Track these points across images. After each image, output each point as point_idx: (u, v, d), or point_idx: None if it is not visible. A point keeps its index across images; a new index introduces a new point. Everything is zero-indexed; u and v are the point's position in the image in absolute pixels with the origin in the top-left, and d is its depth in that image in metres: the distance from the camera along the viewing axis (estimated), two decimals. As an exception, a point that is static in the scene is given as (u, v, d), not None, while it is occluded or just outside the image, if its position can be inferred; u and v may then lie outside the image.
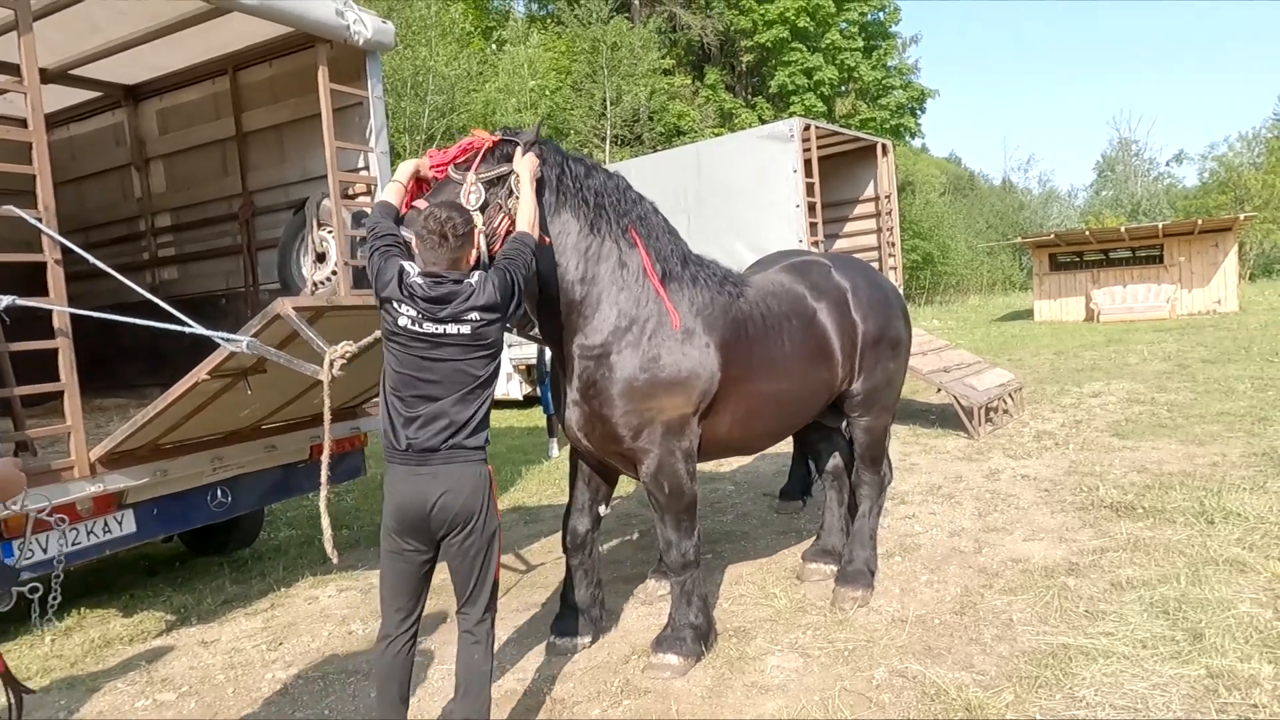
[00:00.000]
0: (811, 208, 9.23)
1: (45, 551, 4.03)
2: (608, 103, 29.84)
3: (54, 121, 6.45)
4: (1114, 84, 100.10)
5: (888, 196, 10.84)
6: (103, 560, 5.78)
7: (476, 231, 3.06)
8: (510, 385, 13.40)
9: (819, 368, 4.18)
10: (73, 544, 4.14)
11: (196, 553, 6.21)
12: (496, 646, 3.13)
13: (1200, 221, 21.98)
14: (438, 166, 3.33)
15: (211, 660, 4.27)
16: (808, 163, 9.26)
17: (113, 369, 6.46)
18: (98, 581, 5.74)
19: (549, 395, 9.14)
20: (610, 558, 5.46)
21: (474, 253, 3.03)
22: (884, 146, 10.91)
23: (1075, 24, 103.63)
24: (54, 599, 3.67)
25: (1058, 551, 4.81)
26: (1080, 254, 23.90)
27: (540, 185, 3.43)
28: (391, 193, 3.21)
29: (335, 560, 3.36)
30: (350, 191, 5.00)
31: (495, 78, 26.34)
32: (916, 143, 45.84)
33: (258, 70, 5.79)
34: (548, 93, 28.23)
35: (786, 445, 6.48)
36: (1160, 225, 22.40)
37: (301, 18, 4.42)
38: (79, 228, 6.50)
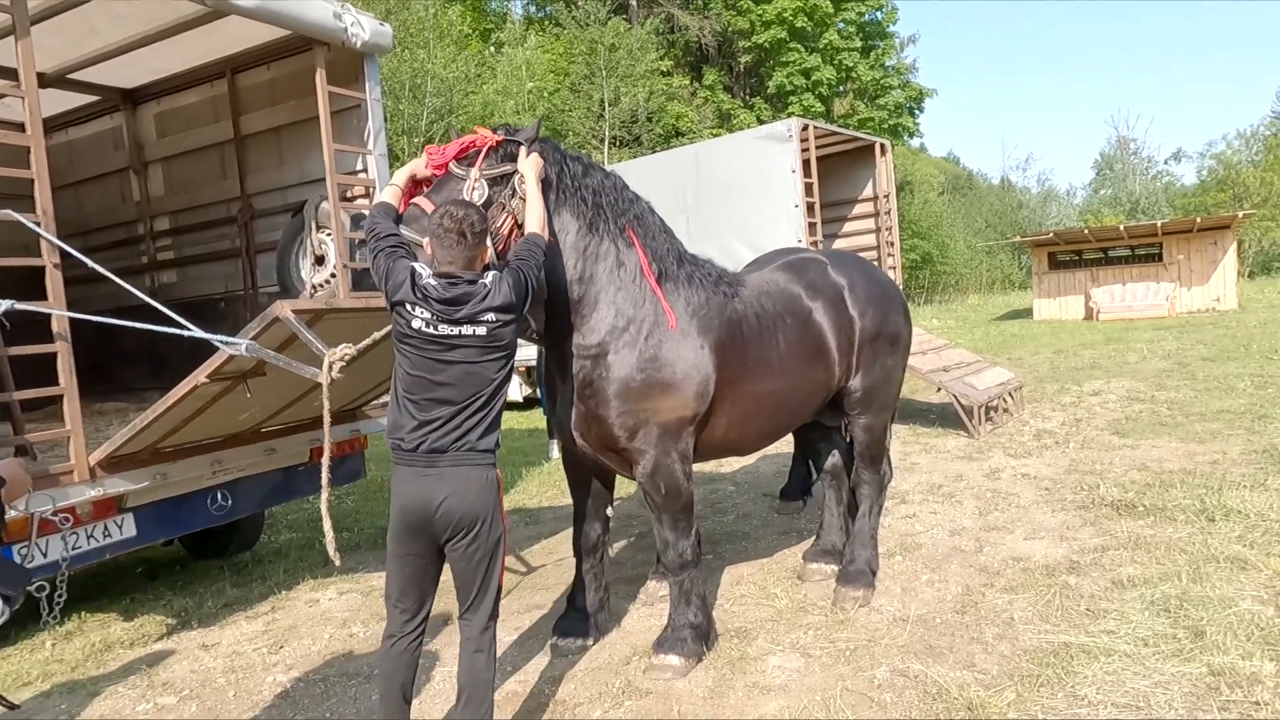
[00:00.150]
0: (810, 207, 9.23)
1: (46, 556, 4.03)
2: (606, 104, 29.85)
3: (52, 125, 6.44)
4: (1112, 83, 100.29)
5: (886, 196, 10.85)
6: (103, 564, 5.78)
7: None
8: (510, 387, 13.38)
9: (815, 367, 4.17)
10: (73, 548, 4.14)
11: (197, 556, 6.20)
12: (498, 649, 3.12)
13: (1199, 219, 22.00)
14: (437, 165, 3.29)
15: (212, 663, 4.27)
16: (806, 163, 9.26)
17: (112, 373, 6.46)
18: (98, 585, 5.73)
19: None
20: (610, 558, 5.46)
21: (489, 251, 3.02)
22: (882, 146, 10.92)
23: (1073, 23, 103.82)
24: (59, 597, 3.68)
25: (1059, 550, 4.81)
26: (1079, 253, 23.91)
27: (542, 184, 3.41)
28: (389, 195, 3.17)
29: (338, 563, 3.36)
30: (349, 194, 4.99)
31: (493, 80, 26.35)
32: (915, 142, 45.90)
33: (256, 73, 5.79)
34: (546, 94, 28.23)
35: (787, 445, 6.48)
36: (1159, 223, 22.43)
37: (299, 20, 4.42)
38: (77, 232, 6.50)
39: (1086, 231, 23.71)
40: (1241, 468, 6.16)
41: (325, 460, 3.38)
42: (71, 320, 3.93)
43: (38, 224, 3.84)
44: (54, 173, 4.14)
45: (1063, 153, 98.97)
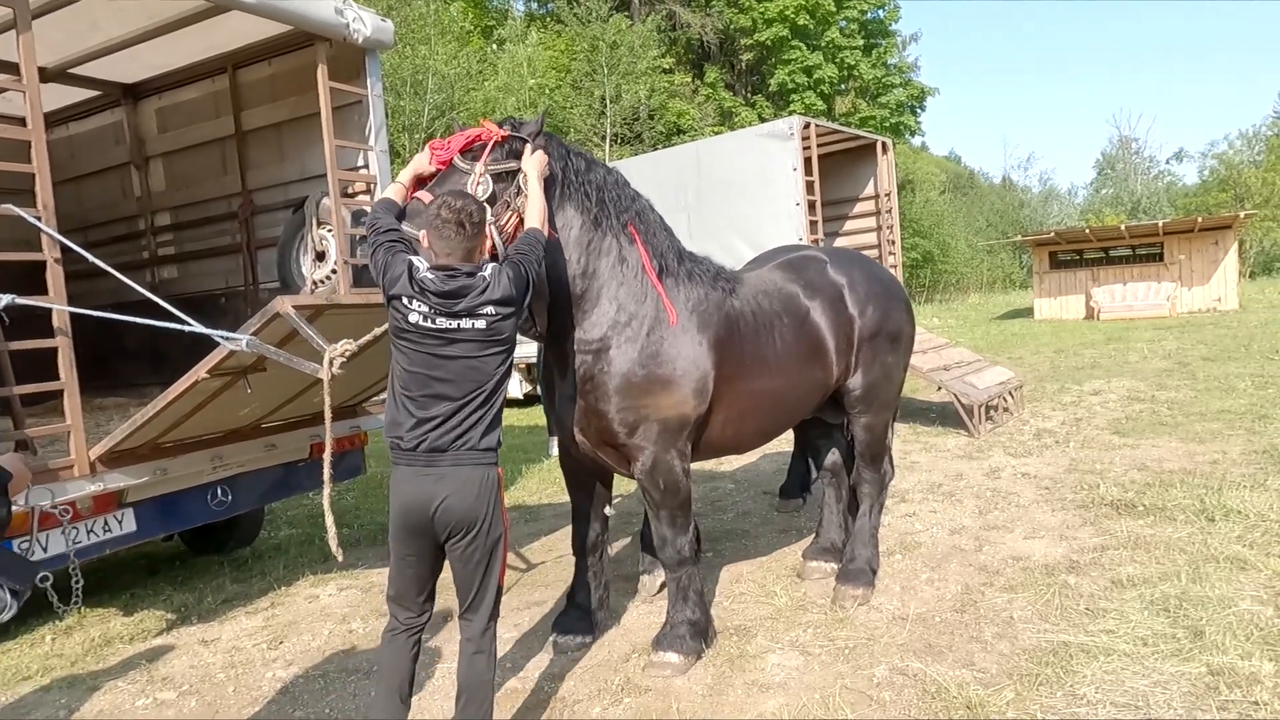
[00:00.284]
0: (811, 206, 9.23)
1: (46, 550, 4.03)
2: (607, 101, 29.81)
3: (53, 120, 6.44)
4: (1114, 82, 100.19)
5: (888, 194, 10.84)
6: (103, 559, 5.78)
7: (488, 224, 3.03)
8: (510, 383, 13.39)
9: (812, 367, 4.17)
10: (74, 542, 4.14)
11: (197, 551, 6.21)
12: (498, 645, 3.11)
13: (1200, 219, 22.00)
14: (441, 160, 3.26)
15: (212, 659, 4.27)
16: (807, 161, 9.26)
17: (112, 368, 6.46)
18: (98, 580, 5.73)
19: (549, 393, 9.15)
20: (610, 556, 5.46)
21: (488, 243, 2.99)
22: (884, 144, 10.91)
23: (1075, 22, 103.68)
24: (77, 584, 3.70)
25: (1058, 549, 4.81)
26: (1080, 252, 23.91)
27: (546, 180, 3.40)
28: (393, 192, 3.15)
29: (340, 558, 3.35)
30: (350, 190, 4.99)
31: (495, 76, 26.33)
32: (916, 141, 45.88)
33: (257, 69, 5.78)
34: (547, 91, 28.20)
35: (786, 444, 6.48)
36: (1160, 223, 22.44)
37: (301, 16, 4.41)
38: (78, 226, 6.49)
39: (1088, 231, 23.71)
40: (1241, 468, 6.16)
41: (327, 456, 3.39)
42: (72, 315, 3.93)
43: (38, 219, 3.83)
44: (55, 167, 4.14)
45: (1064, 152, 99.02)
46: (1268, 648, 3.39)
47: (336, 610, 4.85)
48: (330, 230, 4.75)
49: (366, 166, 5.03)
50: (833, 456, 4.95)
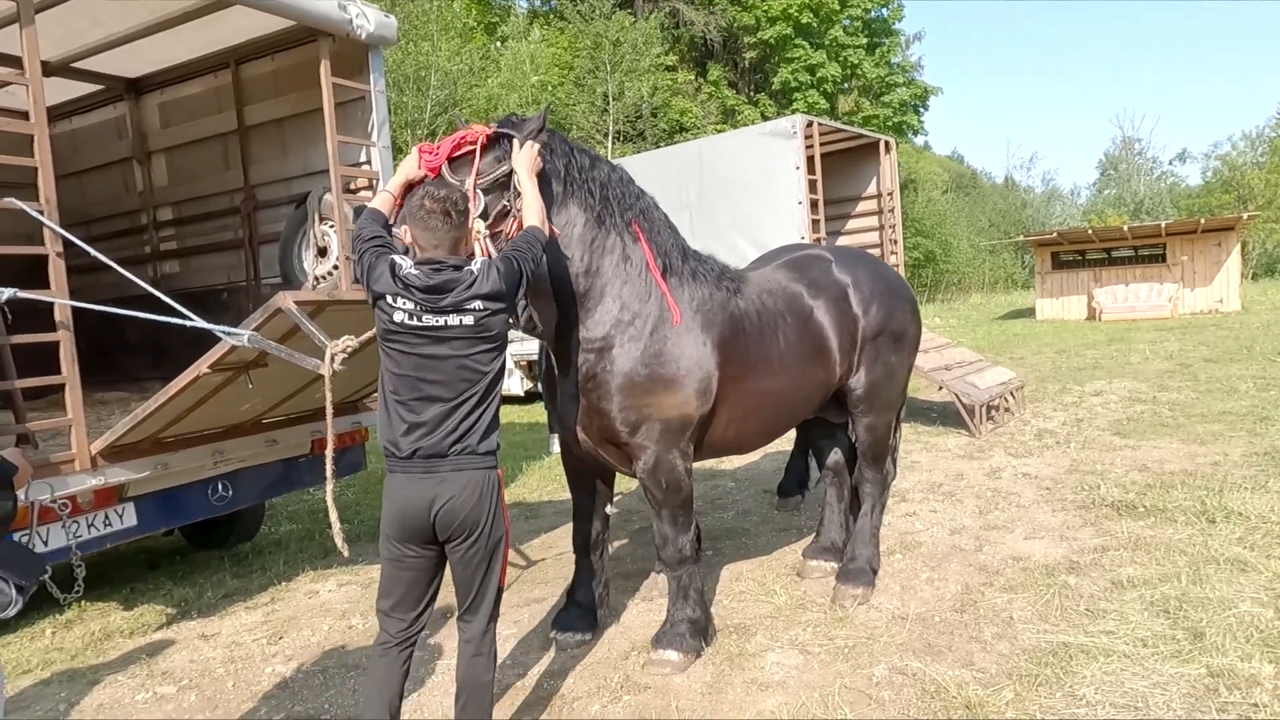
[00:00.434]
0: (814, 205, 9.22)
1: (46, 544, 4.04)
2: (610, 98, 29.79)
3: (56, 114, 6.45)
4: (1117, 82, 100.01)
5: (890, 194, 10.83)
6: (103, 553, 5.77)
7: (483, 236, 2.99)
8: (511, 381, 13.41)
9: (815, 367, 4.15)
10: (74, 536, 4.15)
11: (197, 546, 6.21)
12: (498, 642, 3.10)
13: (1203, 221, 21.98)
14: (431, 166, 3.17)
15: (212, 654, 4.28)
16: (810, 159, 9.25)
17: (114, 362, 6.47)
18: (98, 575, 5.74)
19: (550, 391, 9.16)
20: (611, 555, 5.46)
21: (474, 235, 2.94)
22: (886, 144, 10.90)
23: (1078, 22, 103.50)
24: (80, 574, 3.70)
25: (1058, 550, 4.80)
26: (1083, 252, 23.89)
27: (547, 176, 3.37)
28: (381, 202, 3.03)
29: (345, 553, 3.34)
30: (352, 186, 4.99)
31: (497, 73, 26.31)
32: (919, 140, 45.81)
33: (260, 64, 5.78)
34: (550, 88, 28.18)
35: (786, 442, 6.48)
36: (1163, 224, 22.40)
37: (304, 11, 4.41)
38: (80, 221, 6.50)
39: (1090, 231, 23.68)
40: (1243, 470, 6.15)
41: (329, 451, 3.38)
42: (74, 309, 3.94)
43: (41, 212, 3.84)
44: (57, 162, 4.14)
45: (1067, 152, 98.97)
46: (1268, 650, 3.39)
47: (336, 606, 4.86)
48: (332, 226, 4.75)
49: (369, 162, 5.03)
50: (835, 456, 4.94)
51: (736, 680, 3.57)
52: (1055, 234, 24.24)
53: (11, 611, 2.32)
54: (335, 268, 4.89)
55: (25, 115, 3.89)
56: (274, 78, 5.74)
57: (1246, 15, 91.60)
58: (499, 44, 30.09)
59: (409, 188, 3.07)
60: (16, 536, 3.74)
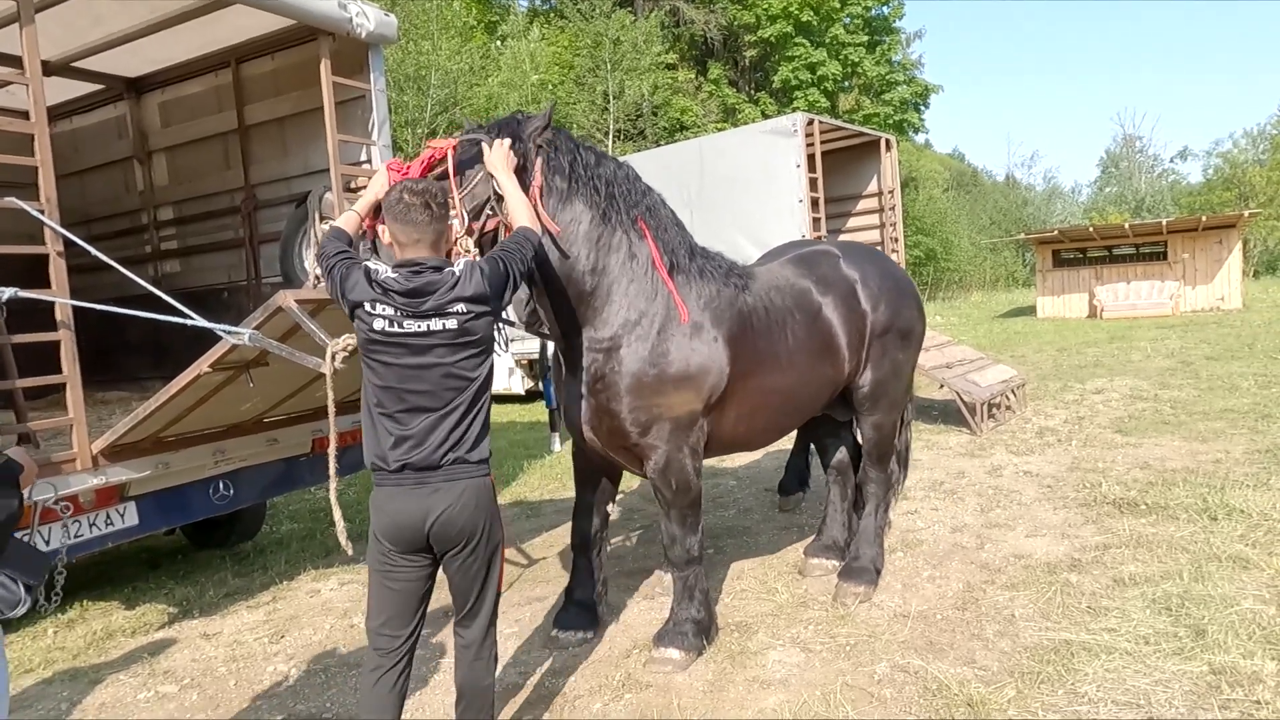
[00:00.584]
0: (814, 203, 9.22)
1: (48, 544, 4.04)
2: (610, 97, 29.77)
3: (56, 114, 6.46)
4: (1118, 80, 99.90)
5: (891, 192, 10.83)
6: (105, 553, 5.78)
7: (470, 252, 2.92)
8: (512, 380, 13.42)
9: (823, 363, 4.14)
10: (75, 536, 4.15)
11: (198, 546, 6.22)
12: (499, 640, 3.09)
13: (1204, 218, 21.93)
14: None
15: (213, 652, 4.28)
16: (811, 158, 9.25)
17: (115, 362, 6.48)
18: (100, 574, 5.75)
19: (551, 390, 9.17)
20: (612, 553, 5.46)
21: (455, 234, 2.86)
22: (887, 142, 10.89)
23: (1079, 20, 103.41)
24: (60, 577, 3.69)
25: (1060, 547, 4.80)
26: (1084, 250, 23.86)
27: (553, 173, 3.35)
28: (346, 221, 2.87)
29: (350, 551, 3.33)
30: (352, 185, 4.98)
31: (498, 72, 26.29)
32: (920, 138, 45.73)
33: (260, 63, 5.79)
34: (550, 87, 28.17)
35: (788, 440, 6.47)
36: (1164, 222, 22.37)
37: (304, 10, 4.41)
38: (81, 220, 6.51)
39: (1091, 229, 23.65)
40: (1244, 467, 6.14)
41: (332, 450, 3.38)
42: (75, 309, 3.94)
43: (41, 212, 3.84)
44: (58, 161, 4.14)
45: (1068, 150, 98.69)
46: (1270, 647, 3.38)
47: (338, 605, 4.86)
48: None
49: (369, 161, 5.03)
50: (840, 455, 4.94)
51: (738, 678, 3.57)
52: (1056, 232, 24.22)
53: (20, 610, 2.32)
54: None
55: (26, 115, 3.89)
56: (274, 77, 5.74)
57: (1247, 15, 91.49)
58: (499, 43, 30.07)
59: (378, 209, 2.90)
60: (18, 535, 3.75)
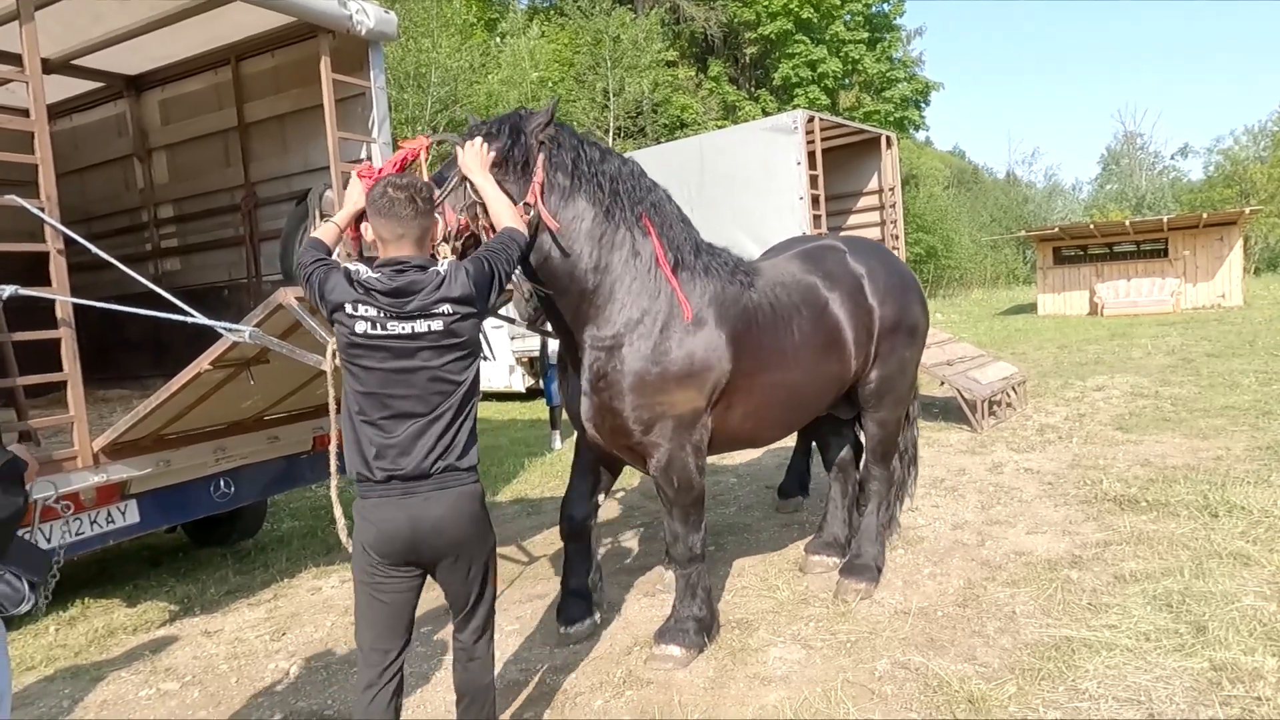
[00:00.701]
0: (815, 200, 9.21)
1: (49, 541, 4.05)
2: (610, 95, 29.76)
3: (56, 112, 6.45)
4: (1119, 77, 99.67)
5: (891, 189, 10.82)
6: (106, 550, 5.79)
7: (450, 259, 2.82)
8: (513, 378, 13.43)
9: (830, 360, 4.11)
10: (76, 534, 4.15)
11: (199, 543, 6.22)
12: (500, 637, 3.10)
13: (1205, 215, 21.91)
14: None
15: (215, 650, 4.29)
16: (811, 155, 9.24)
17: (116, 360, 6.47)
18: (101, 571, 5.76)
19: (552, 387, 9.17)
20: (614, 550, 5.47)
21: (440, 232, 2.80)
22: (888, 139, 10.88)
23: (1080, 17, 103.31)
24: (52, 578, 3.68)
25: (1061, 544, 4.80)
26: (1084, 248, 23.84)
27: (555, 170, 3.31)
28: (325, 232, 2.77)
29: (351, 549, 3.34)
30: (353, 182, 4.98)
31: (498, 70, 26.28)
32: (920, 136, 45.73)
33: (260, 60, 5.78)
34: (550, 84, 28.16)
35: (789, 440, 6.47)
36: (1165, 219, 22.35)
37: (304, 7, 4.40)
38: (81, 218, 6.50)
39: (1092, 226, 23.62)
40: (1245, 464, 6.14)
41: (333, 447, 3.38)
42: (75, 306, 3.94)
43: (42, 209, 3.84)
44: (58, 159, 4.14)
45: (1069, 147, 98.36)
46: (1271, 643, 3.38)
47: (339, 602, 4.86)
48: (333, 222, 4.73)
49: (369, 159, 5.02)
50: (842, 452, 4.94)
51: (739, 675, 3.57)
52: (1057, 229, 24.19)
53: (25, 607, 2.33)
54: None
55: (26, 112, 3.89)
56: (274, 74, 5.74)
57: (1248, 11, 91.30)
58: (499, 39, 30.04)
59: (358, 220, 2.82)
60: (20, 533, 3.75)
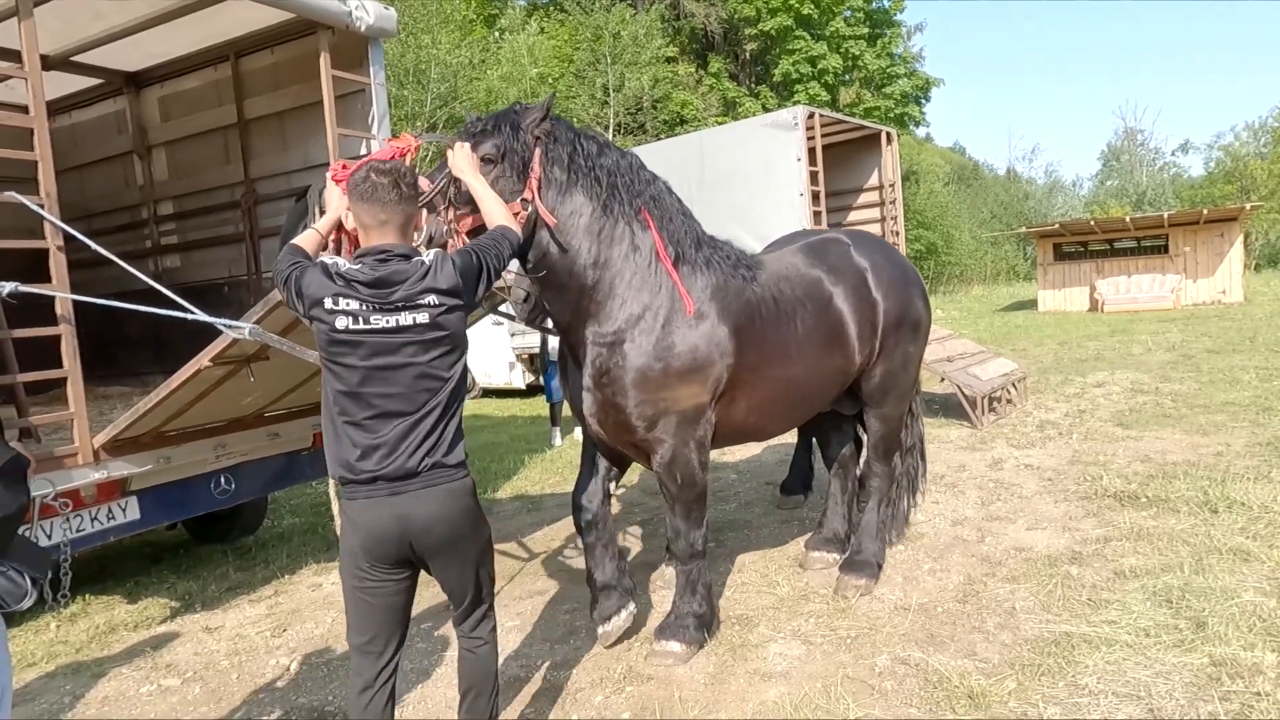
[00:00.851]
0: (815, 196, 9.21)
1: (50, 538, 4.05)
2: (610, 91, 29.72)
3: (56, 108, 6.45)
4: (1120, 73, 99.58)
5: (892, 185, 10.81)
6: (107, 547, 5.81)
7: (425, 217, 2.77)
8: (513, 374, 13.43)
9: (834, 354, 4.09)
10: (77, 530, 4.15)
11: (200, 540, 6.23)
12: (501, 634, 3.09)
13: (1206, 211, 21.88)
14: None
15: (216, 646, 4.29)
16: (811, 151, 9.23)
17: (116, 356, 6.48)
18: (102, 568, 5.77)
19: (552, 384, 9.18)
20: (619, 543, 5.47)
21: (424, 220, 2.73)
22: (888, 135, 10.87)
23: (1081, 13, 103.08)
24: (65, 576, 3.69)
25: (1061, 540, 4.80)
26: (1085, 244, 23.82)
27: (551, 164, 3.29)
28: (306, 240, 2.63)
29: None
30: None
31: (497, 66, 26.25)
32: (921, 132, 45.69)
33: (260, 57, 5.78)
34: (550, 81, 28.12)
35: (790, 436, 6.47)
36: (1165, 215, 22.30)
37: (304, 4, 4.40)
38: (81, 215, 6.51)
39: (1092, 223, 23.62)
40: (1245, 460, 6.14)
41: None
42: (75, 304, 3.94)
43: (41, 206, 3.84)
44: (58, 156, 4.14)
45: (1069, 144, 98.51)
46: (1270, 639, 3.39)
47: (340, 598, 4.80)
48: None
49: (369, 155, 5.01)
50: (842, 448, 4.93)
51: (739, 671, 3.57)
52: (1057, 225, 24.18)
53: (26, 603, 2.34)
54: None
55: (25, 109, 3.89)
56: (274, 71, 5.73)
57: (1249, 8, 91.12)
58: (498, 35, 30.00)
59: (341, 227, 2.72)
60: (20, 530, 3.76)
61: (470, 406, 12.56)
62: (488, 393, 14.08)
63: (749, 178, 9.50)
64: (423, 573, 2.59)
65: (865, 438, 4.70)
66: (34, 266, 3.88)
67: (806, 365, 3.97)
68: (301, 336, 3.82)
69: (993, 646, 3.60)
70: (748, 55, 37.75)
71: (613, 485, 4.05)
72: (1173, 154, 59.73)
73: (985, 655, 3.53)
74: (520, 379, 13.42)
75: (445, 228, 2.94)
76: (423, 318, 2.36)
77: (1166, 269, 22.12)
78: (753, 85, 37.55)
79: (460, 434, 2.51)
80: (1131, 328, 16.87)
